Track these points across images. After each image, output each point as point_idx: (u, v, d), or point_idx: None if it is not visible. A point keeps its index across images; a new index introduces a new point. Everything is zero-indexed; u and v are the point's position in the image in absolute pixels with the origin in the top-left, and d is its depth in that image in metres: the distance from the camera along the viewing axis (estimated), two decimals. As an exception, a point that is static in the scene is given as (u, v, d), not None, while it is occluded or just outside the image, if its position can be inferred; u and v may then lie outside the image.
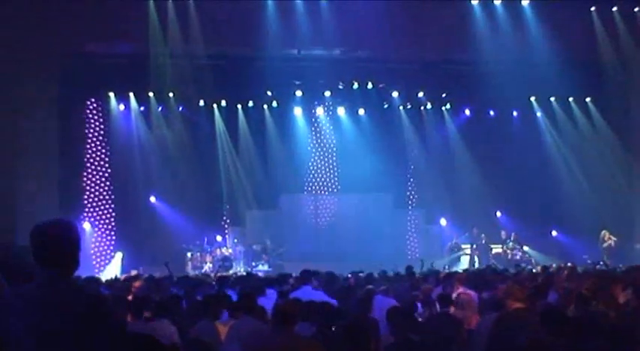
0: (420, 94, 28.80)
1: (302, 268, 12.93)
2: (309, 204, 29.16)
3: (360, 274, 16.37)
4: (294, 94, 28.13)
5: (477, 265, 25.51)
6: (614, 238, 26.39)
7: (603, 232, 26.75)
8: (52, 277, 4.09)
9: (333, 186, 29.06)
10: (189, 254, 26.15)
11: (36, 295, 4.03)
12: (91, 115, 26.93)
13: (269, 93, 27.84)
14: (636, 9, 25.23)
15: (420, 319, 10.02)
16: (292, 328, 6.89)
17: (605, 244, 26.45)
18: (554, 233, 28.75)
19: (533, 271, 19.83)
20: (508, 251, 27.04)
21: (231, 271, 24.05)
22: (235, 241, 27.48)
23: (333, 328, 7.73)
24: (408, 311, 9.35)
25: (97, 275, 19.71)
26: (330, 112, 29.40)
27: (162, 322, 8.42)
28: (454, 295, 10.93)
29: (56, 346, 3.96)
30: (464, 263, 26.16)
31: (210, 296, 9.59)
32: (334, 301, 10.01)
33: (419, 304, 11.05)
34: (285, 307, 7.09)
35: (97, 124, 26.96)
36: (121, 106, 27.07)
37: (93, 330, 3.97)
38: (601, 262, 23.92)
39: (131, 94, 26.92)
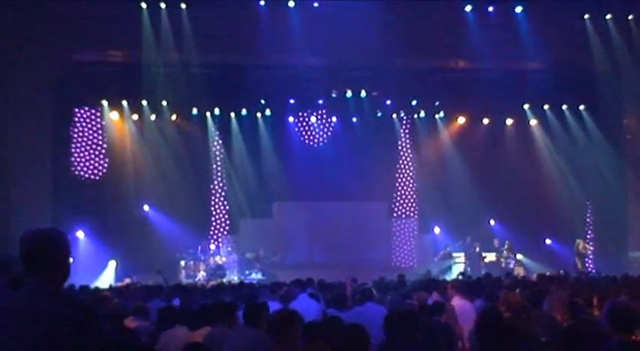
0: (414, 102, 28.76)
1: (296, 277, 12.86)
2: (302, 212, 29.00)
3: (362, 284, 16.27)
4: (288, 102, 28.16)
5: (468, 273, 25.34)
6: (589, 247, 26.26)
7: (578, 241, 26.71)
8: (42, 285, 4.05)
9: (327, 194, 28.91)
10: (182, 263, 26.04)
11: (25, 303, 4.00)
12: (84, 124, 26.93)
13: (262, 101, 27.84)
14: (630, 17, 25.23)
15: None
16: (287, 337, 6.80)
17: (579, 254, 26.33)
18: (547, 241, 28.69)
19: (525, 278, 19.80)
20: (501, 260, 26.95)
21: (224, 280, 24.00)
22: (229, 249, 27.42)
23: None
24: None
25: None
26: (324, 120, 29.38)
27: (175, 329, 8.54)
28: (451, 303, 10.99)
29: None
30: (454, 272, 25.98)
31: (222, 304, 9.35)
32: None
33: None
34: (278, 316, 7.01)
35: (90, 132, 26.95)
36: (114, 115, 27.04)
37: (82, 338, 3.94)
38: (593, 270, 23.88)
39: (124, 103, 26.91)
